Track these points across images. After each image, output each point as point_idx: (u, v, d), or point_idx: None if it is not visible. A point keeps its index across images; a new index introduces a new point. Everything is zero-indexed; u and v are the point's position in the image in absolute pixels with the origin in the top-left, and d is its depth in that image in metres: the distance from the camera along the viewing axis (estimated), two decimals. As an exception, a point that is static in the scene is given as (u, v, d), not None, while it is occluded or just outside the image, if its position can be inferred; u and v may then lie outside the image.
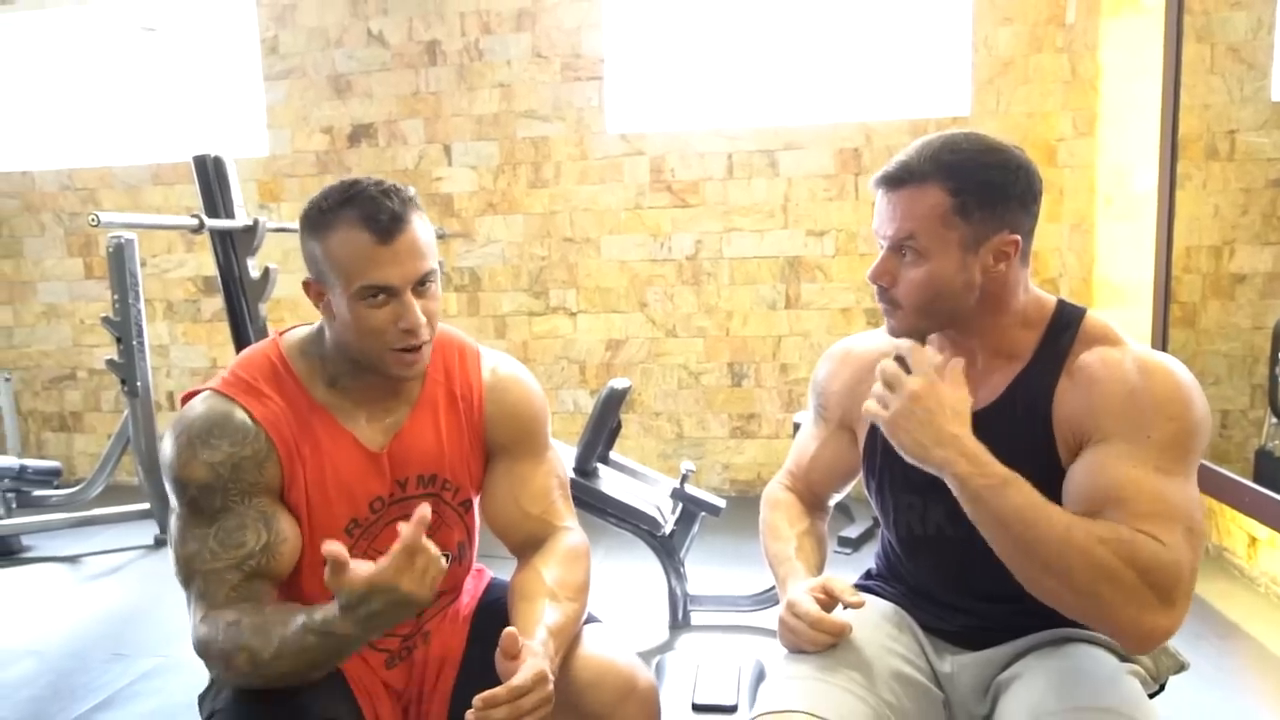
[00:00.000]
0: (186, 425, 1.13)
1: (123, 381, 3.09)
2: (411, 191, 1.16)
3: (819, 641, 1.15)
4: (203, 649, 1.07)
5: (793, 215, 3.95)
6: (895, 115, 3.86)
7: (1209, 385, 3.05)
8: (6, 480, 3.65)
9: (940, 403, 1.02)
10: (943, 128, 1.16)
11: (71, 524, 3.62)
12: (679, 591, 2.65)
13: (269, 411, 1.16)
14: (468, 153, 4.16)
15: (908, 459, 1.06)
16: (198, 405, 1.15)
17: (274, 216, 4.15)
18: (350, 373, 1.20)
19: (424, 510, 0.97)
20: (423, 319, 1.13)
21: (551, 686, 1.03)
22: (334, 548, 0.95)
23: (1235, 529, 2.87)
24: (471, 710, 0.99)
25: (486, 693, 0.99)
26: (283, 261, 3.66)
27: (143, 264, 3.24)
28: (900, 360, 1.09)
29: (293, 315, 4.17)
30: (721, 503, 2.74)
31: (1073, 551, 0.96)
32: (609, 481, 2.70)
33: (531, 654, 1.04)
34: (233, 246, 2.91)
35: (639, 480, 2.87)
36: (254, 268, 2.93)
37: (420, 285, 1.14)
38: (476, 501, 1.34)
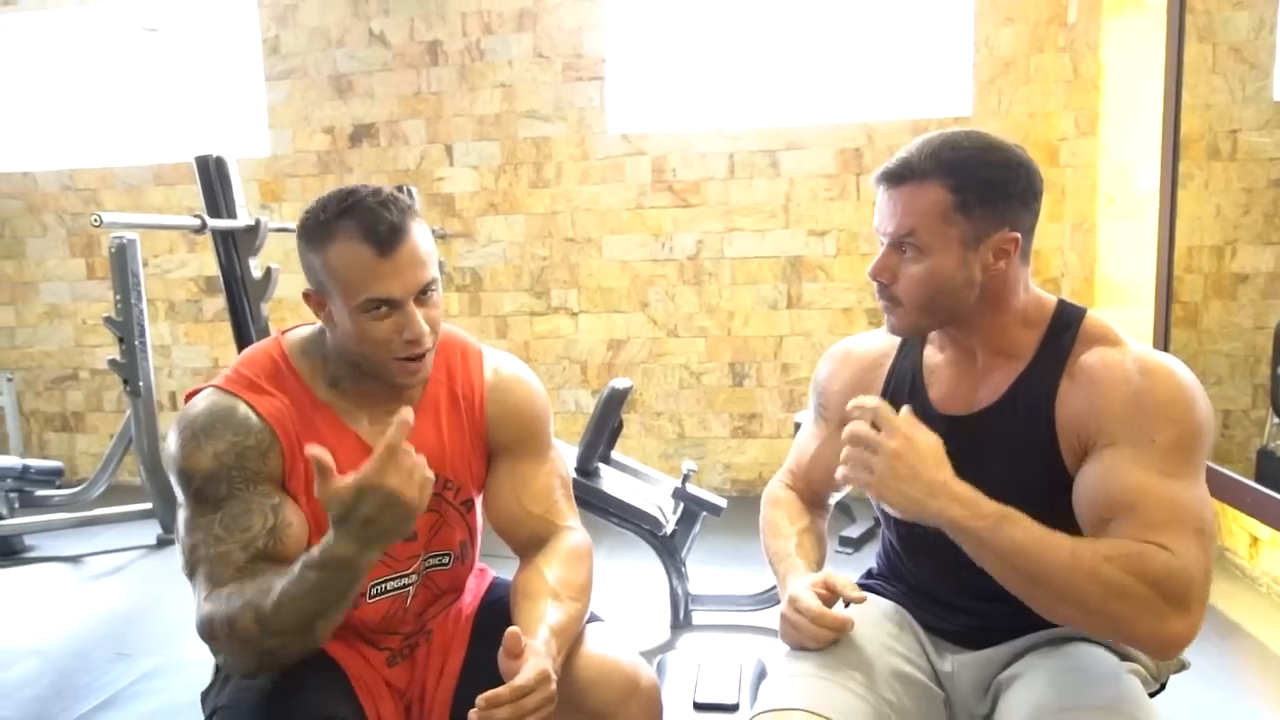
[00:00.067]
0: (190, 420, 1.13)
1: (125, 382, 3.09)
2: (409, 200, 1.15)
3: (821, 637, 1.14)
4: (206, 625, 1.06)
5: (794, 215, 3.95)
6: (897, 115, 3.86)
7: (1211, 385, 3.05)
8: (9, 480, 3.66)
9: (921, 455, 1.01)
10: (944, 128, 1.16)
11: (74, 524, 3.62)
12: (680, 591, 2.65)
13: (272, 406, 1.16)
14: (469, 153, 4.16)
15: (901, 516, 1.04)
16: (200, 401, 1.16)
17: (276, 216, 4.16)
18: (352, 376, 1.21)
19: (405, 412, 1.00)
20: (425, 328, 1.13)
21: (554, 686, 1.03)
22: (317, 450, 0.97)
23: (1237, 529, 2.87)
24: (474, 710, 0.99)
25: (489, 692, 0.99)
26: (284, 261, 3.65)
27: (145, 264, 3.24)
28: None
29: (294, 315, 4.18)
30: (723, 502, 2.74)
31: (1080, 576, 0.95)
32: (610, 481, 2.70)
33: (534, 653, 1.04)
34: (234, 246, 2.91)
35: (640, 480, 2.87)
36: (256, 268, 2.93)
37: (422, 294, 1.14)
38: (479, 502, 1.34)
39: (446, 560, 1.30)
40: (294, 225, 1.17)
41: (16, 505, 3.69)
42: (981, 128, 1.16)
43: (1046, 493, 1.10)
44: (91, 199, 4.50)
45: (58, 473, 3.83)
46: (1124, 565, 0.95)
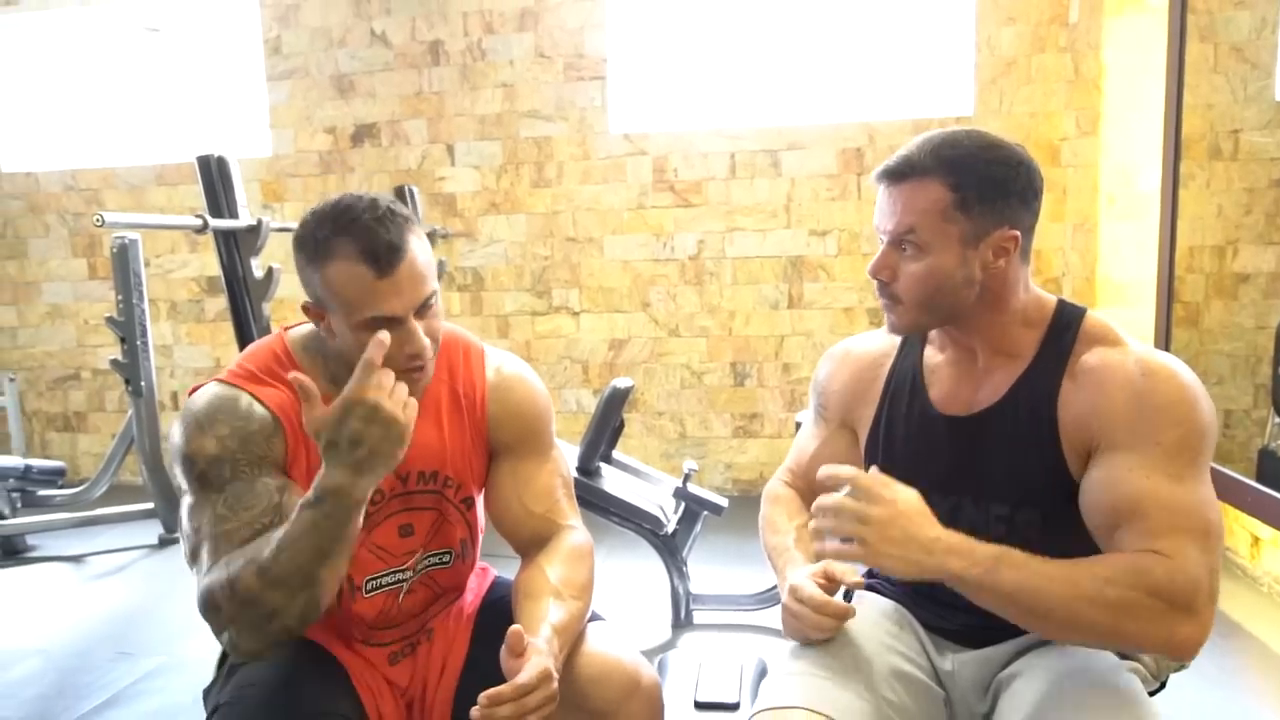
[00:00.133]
0: (193, 412, 1.14)
1: (127, 381, 3.10)
2: (405, 211, 1.13)
3: (824, 626, 1.14)
4: (207, 596, 1.05)
5: (795, 215, 3.95)
6: (898, 115, 3.86)
7: (1212, 385, 3.03)
8: (11, 480, 3.66)
9: (909, 516, 1.00)
10: (946, 127, 1.16)
11: (76, 524, 3.63)
12: (682, 590, 2.65)
13: (276, 396, 1.16)
14: (470, 152, 4.17)
15: (901, 578, 1.04)
16: (204, 394, 1.16)
17: (277, 216, 4.17)
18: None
19: (382, 335, 1.02)
20: (426, 342, 1.13)
21: (556, 684, 1.03)
22: (302, 377, 1.00)
23: (1238, 529, 2.87)
24: (476, 708, 0.99)
25: (491, 690, 0.99)
26: (286, 261, 3.63)
27: (146, 264, 3.25)
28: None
29: (296, 315, 4.15)
30: (724, 502, 2.74)
31: (1083, 604, 0.96)
32: (612, 481, 2.71)
33: (536, 652, 1.04)
34: (236, 246, 2.91)
35: (642, 479, 2.88)
36: (257, 268, 2.94)
37: (422, 307, 1.13)
38: (480, 500, 1.34)
39: (447, 558, 1.30)
40: (295, 225, 1.17)
41: (19, 505, 3.69)
42: (983, 127, 1.17)
43: (1047, 493, 1.10)
44: (93, 199, 4.50)
45: (60, 472, 3.83)
46: (1127, 583, 0.95)
